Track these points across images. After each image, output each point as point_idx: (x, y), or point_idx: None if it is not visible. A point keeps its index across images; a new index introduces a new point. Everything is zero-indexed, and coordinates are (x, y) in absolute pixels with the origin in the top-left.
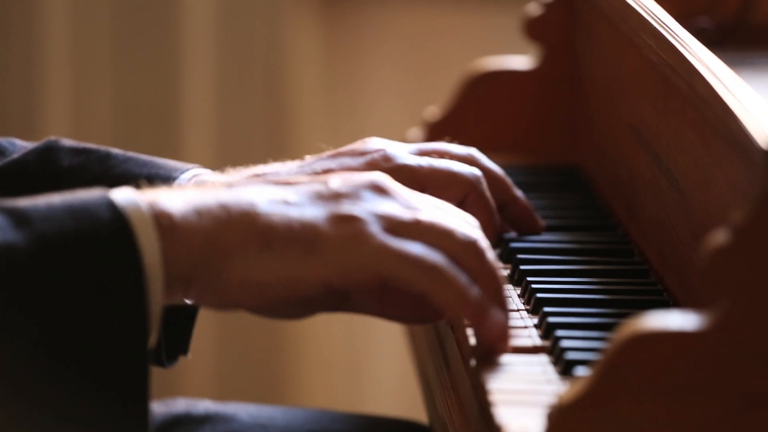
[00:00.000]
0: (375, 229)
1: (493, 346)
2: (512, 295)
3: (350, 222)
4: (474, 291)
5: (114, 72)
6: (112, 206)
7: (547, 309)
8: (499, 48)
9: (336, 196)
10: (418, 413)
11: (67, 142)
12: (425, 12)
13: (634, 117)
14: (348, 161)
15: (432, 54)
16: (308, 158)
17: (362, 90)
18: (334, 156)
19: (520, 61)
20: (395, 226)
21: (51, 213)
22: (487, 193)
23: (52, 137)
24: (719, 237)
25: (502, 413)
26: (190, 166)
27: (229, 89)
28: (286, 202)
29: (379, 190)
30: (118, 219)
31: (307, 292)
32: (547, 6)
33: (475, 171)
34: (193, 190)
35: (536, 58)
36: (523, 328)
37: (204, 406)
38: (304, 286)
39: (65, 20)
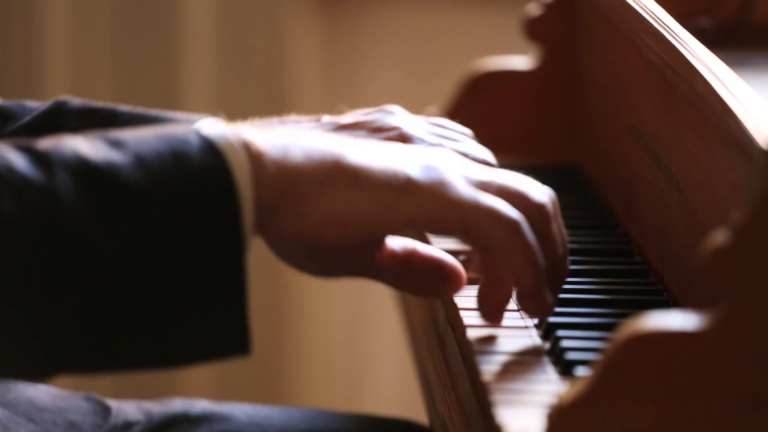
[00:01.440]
0: (461, 179)
1: (533, 314)
2: (512, 295)
3: (438, 169)
4: (541, 260)
5: (114, 72)
6: (199, 133)
7: None
8: (499, 48)
9: (415, 153)
10: (418, 413)
11: (75, 102)
12: (425, 12)
13: (633, 117)
14: (364, 136)
15: (432, 54)
16: (325, 118)
17: (362, 90)
18: (351, 127)
19: (520, 62)
20: (477, 183)
21: (142, 137)
22: None
23: (61, 97)
24: (719, 237)
25: (502, 413)
26: (198, 117)
27: (229, 89)
28: (369, 148)
29: (446, 153)
30: (207, 143)
31: (389, 230)
32: (547, 6)
33: (490, 161)
34: (276, 130)
35: (536, 59)
36: (524, 328)
37: (201, 405)
38: (390, 223)
39: (65, 20)
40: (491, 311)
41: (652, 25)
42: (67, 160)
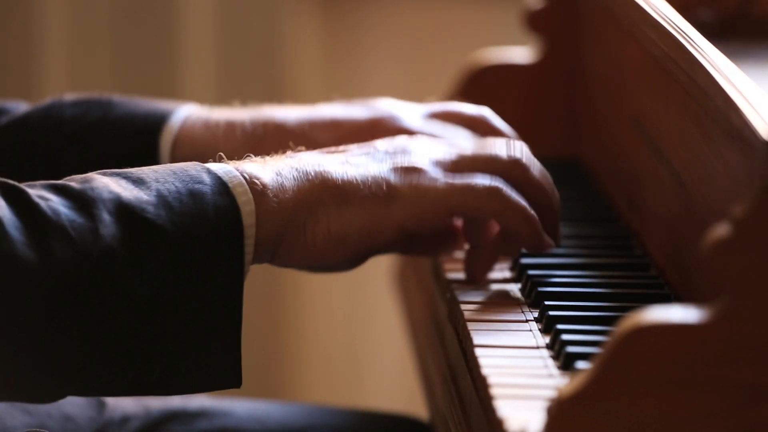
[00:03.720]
0: (436, 172)
1: (540, 250)
2: (513, 289)
3: (414, 171)
4: (531, 210)
5: (113, 69)
6: (210, 171)
7: (547, 303)
8: (499, 42)
9: (389, 154)
10: (418, 408)
11: (70, 96)
12: (425, 7)
13: (635, 109)
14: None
15: (432, 48)
16: (321, 105)
17: (362, 85)
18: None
19: (521, 54)
20: (449, 166)
21: (159, 175)
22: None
23: (57, 97)
24: (720, 230)
25: (503, 407)
26: (186, 103)
27: (228, 86)
28: (349, 163)
29: (419, 141)
30: (219, 182)
31: (384, 240)
32: None
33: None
34: (267, 159)
35: (537, 51)
36: (524, 322)
37: (200, 401)
38: (383, 233)
39: (64, 17)
40: (477, 274)
41: (653, 17)
42: (104, 200)
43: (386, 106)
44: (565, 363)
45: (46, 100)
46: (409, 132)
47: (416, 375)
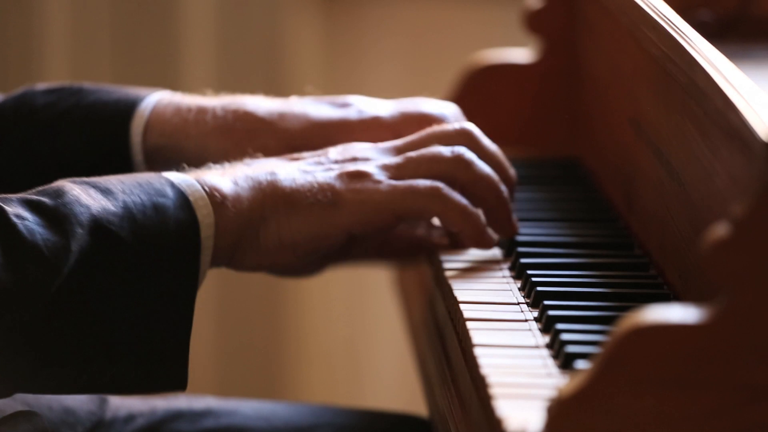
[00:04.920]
0: (380, 177)
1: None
2: (513, 288)
3: (358, 177)
4: (472, 208)
5: (113, 68)
6: (172, 184)
7: (547, 302)
8: (499, 42)
9: (337, 162)
10: (418, 407)
11: (42, 85)
12: (425, 7)
13: (634, 110)
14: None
15: (432, 49)
16: (293, 99)
17: (362, 85)
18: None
19: (521, 55)
20: (395, 171)
21: (126, 187)
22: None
23: (29, 85)
24: (719, 230)
25: (502, 407)
26: (156, 90)
27: (228, 85)
28: (299, 170)
29: (368, 147)
30: (181, 196)
31: (332, 244)
32: None
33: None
34: (226, 167)
35: (536, 52)
36: (523, 321)
37: (205, 401)
38: (330, 238)
39: (64, 16)
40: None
41: (652, 17)
42: (76, 214)
43: (357, 104)
44: (565, 362)
45: (18, 89)
46: (378, 121)
47: (416, 374)
